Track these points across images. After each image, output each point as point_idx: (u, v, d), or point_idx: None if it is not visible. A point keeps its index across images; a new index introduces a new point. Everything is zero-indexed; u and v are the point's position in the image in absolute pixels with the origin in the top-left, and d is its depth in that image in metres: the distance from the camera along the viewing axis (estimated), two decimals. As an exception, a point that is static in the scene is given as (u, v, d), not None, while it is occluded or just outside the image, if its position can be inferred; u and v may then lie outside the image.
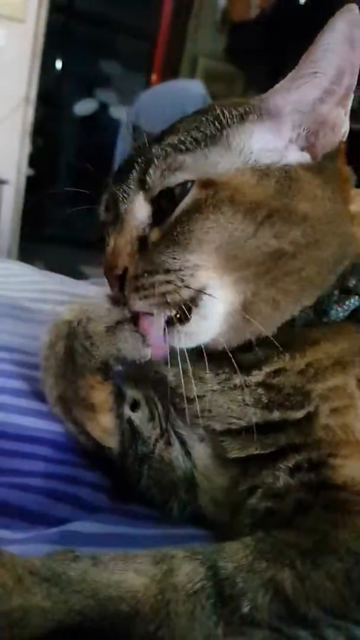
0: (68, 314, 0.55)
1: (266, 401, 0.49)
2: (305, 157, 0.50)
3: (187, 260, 0.46)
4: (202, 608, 0.37)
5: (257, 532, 0.43)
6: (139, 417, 0.56)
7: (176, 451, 0.56)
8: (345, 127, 0.50)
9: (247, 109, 0.49)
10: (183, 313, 0.47)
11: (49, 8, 2.79)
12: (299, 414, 0.48)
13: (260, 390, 0.49)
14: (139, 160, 0.49)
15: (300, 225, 0.47)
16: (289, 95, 0.49)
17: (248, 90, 3.18)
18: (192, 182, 0.47)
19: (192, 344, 0.48)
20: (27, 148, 2.78)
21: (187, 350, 0.49)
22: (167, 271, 0.46)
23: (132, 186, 0.49)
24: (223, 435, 0.51)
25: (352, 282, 0.51)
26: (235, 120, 0.49)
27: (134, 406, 0.57)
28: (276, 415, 0.48)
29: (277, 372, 0.49)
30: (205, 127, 0.49)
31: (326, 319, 0.50)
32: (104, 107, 3.74)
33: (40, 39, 2.81)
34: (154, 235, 0.48)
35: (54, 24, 3.01)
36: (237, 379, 0.50)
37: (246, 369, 0.50)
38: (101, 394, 0.54)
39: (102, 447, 0.55)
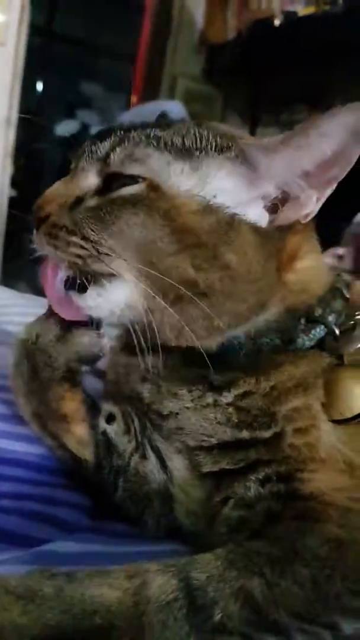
0: (24, 333, 0.57)
1: (236, 421, 0.51)
2: (264, 218, 0.51)
3: (106, 240, 0.48)
4: (174, 618, 0.38)
5: (229, 544, 0.45)
6: (114, 430, 0.58)
7: (151, 465, 0.57)
8: (310, 211, 0.50)
9: (231, 145, 0.50)
10: (83, 281, 0.49)
11: (29, 31, 2.83)
12: (267, 434, 0.50)
13: (230, 410, 0.52)
14: (118, 133, 0.51)
15: (220, 270, 0.48)
16: (272, 156, 0.49)
17: (226, 110, 3.25)
18: (144, 179, 0.49)
19: (86, 312, 0.50)
20: (9, 169, 2.80)
21: (158, 363, 0.51)
22: (85, 238, 0.48)
23: (98, 153, 0.52)
24: (196, 450, 0.53)
25: (318, 312, 0.53)
26: (216, 148, 0.50)
27: (110, 419, 0.58)
28: (245, 434, 0.51)
29: (244, 395, 0.51)
30: (188, 139, 0.50)
31: (293, 346, 0.53)
32: (85, 127, 3.79)
33: (21, 62, 2.85)
34: (90, 202, 0.50)
35: (34, 47, 3.05)
36: (210, 398, 0.52)
37: (217, 390, 0.52)
38: (72, 404, 0.56)
39: (79, 461, 0.56)
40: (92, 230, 0.48)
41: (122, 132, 0.51)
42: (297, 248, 0.53)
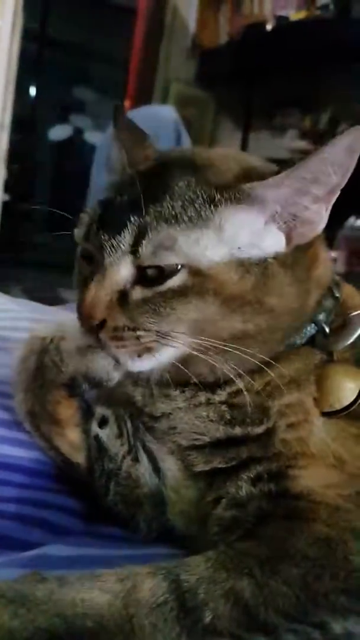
0: (43, 331, 0.58)
1: (229, 417, 0.52)
2: (281, 240, 0.52)
3: (165, 327, 0.49)
4: (165, 620, 0.39)
5: (219, 546, 0.45)
6: (106, 434, 0.58)
7: (143, 468, 0.58)
8: (323, 223, 0.53)
9: (239, 194, 0.50)
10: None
11: (22, 36, 2.83)
12: (259, 430, 0.52)
13: (223, 408, 0.53)
14: (132, 220, 0.50)
15: (266, 314, 0.51)
16: (278, 191, 0.50)
17: (219, 114, 3.27)
18: (182, 265, 0.49)
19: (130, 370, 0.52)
20: (2, 174, 2.80)
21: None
22: (147, 330, 0.49)
23: (122, 246, 0.50)
24: (189, 450, 0.54)
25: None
26: (228, 203, 0.50)
27: (103, 423, 0.59)
28: (238, 430, 0.52)
29: (238, 392, 0.52)
30: (200, 207, 0.50)
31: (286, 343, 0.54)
32: (78, 132, 3.81)
33: (14, 67, 2.85)
34: (136, 294, 0.50)
35: (28, 52, 3.07)
36: (202, 396, 0.54)
37: (211, 388, 0.53)
38: (68, 410, 0.56)
39: (71, 464, 0.56)
40: (151, 323, 0.49)
41: (135, 218, 0.50)
42: (318, 250, 0.56)
